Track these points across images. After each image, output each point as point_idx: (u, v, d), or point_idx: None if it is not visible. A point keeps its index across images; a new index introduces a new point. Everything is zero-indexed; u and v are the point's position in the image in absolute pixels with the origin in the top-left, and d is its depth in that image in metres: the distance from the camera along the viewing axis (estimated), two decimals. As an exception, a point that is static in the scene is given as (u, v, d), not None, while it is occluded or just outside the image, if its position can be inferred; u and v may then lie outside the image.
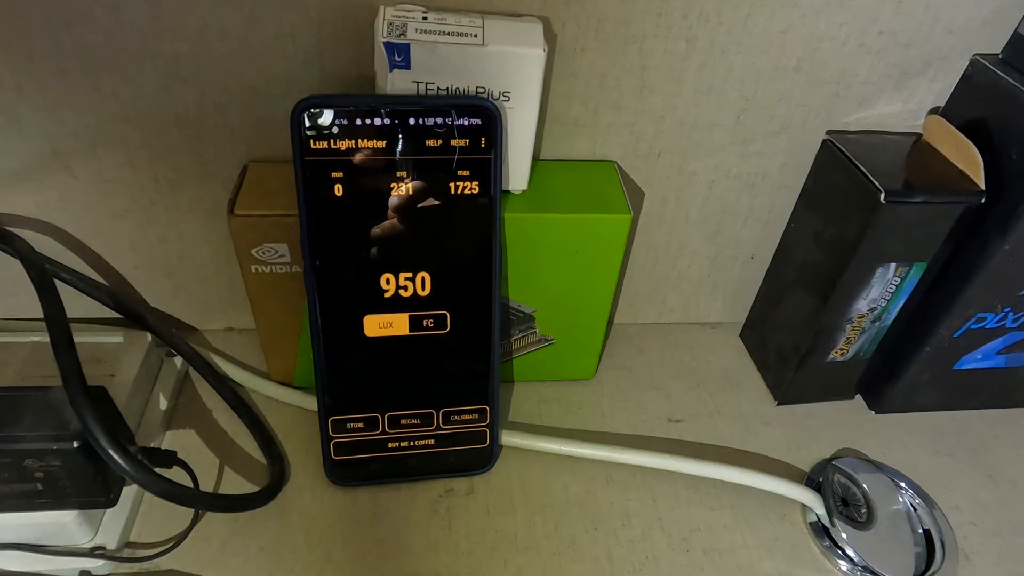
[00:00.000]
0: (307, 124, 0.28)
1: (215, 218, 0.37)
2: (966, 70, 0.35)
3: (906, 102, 0.37)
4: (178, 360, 0.39)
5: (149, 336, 0.37)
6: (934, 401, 0.42)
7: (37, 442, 0.27)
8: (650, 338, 0.46)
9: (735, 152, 0.38)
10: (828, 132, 0.37)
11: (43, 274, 0.30)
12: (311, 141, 0.28)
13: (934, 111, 0.37)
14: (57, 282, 0.34)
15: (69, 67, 0.31)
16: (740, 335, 0.47)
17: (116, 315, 0.38)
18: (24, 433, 0.27)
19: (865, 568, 0.34)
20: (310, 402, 0.38)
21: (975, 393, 0.42)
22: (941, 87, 0.36)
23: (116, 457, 0.26)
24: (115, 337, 0.37)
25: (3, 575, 0.30)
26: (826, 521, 0.35)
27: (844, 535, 0.35)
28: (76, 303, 0.37)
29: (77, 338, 0.28)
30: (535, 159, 0.37)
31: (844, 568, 0.34)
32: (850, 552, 0.34)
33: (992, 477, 0.40)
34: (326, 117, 0.28)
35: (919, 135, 0.36)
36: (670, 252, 0.43)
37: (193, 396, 0.39)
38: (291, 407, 0.39)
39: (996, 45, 0.35)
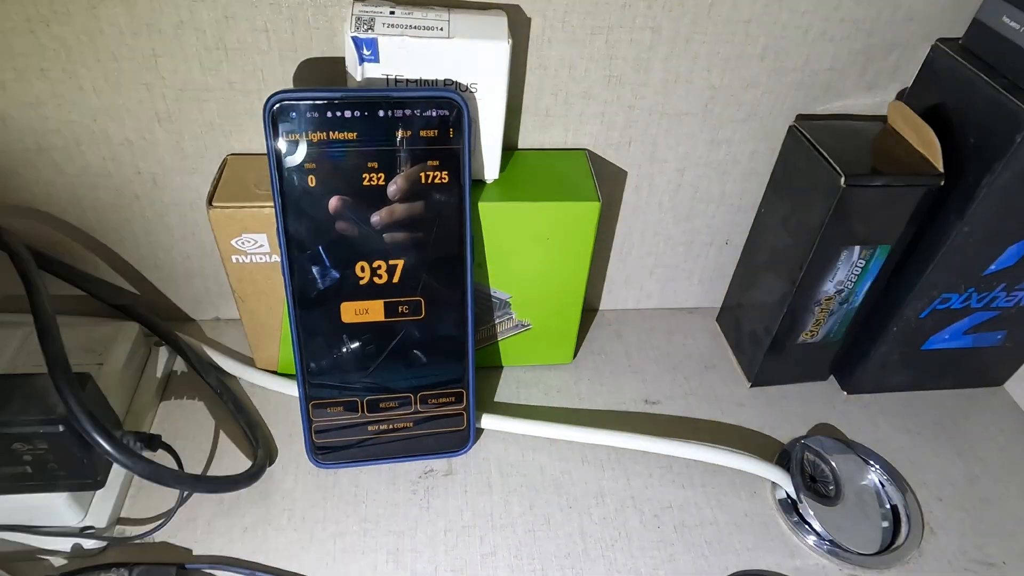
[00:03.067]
0: (279, 118, 0.29)
1: (198, 211, 0.38)
2: (927, 56, 0.36)
3: (870, 88, 0.37)
4: (166, 349, 0.41)
5: (137, 326, 0.39)
6: (904, 381, 0.43)
7: (24, 426, 0.28)
8: (628, 324, 0.47)
9: (704, 139, 0.39)
10: (795, 119, 0.38)
11: (28, 265, 0.31)
12: (284, 134, 0.29)
13: (898, 97, 0.38)
14: (47, 274, 0.36)
15: (50, 66, 0.32)
16: (717, 319, 0.48)
17: (105, 306, 0.39)
18: (11, 417, 0.28)
19: (831, 542, 0.35)
20: (293, 388, 0.39)
21: (944, 373, 0.43)
22: (904, 73, 0.37)
23: (99, 439, 0.27)
24: (104, 328, 0.38)
25: (-3, 555, 0.31)
26: (794, 497, 0.37)
27: (811, 511, 0.36)
28: (66, 295, 0.39)
29: (66, 329, 0.29)
30: (508, 149, 0.38)
31: (811, 542, 0.35)
32: (816, 527, 0.35)
33: (960, 454, 0.41)
34: (298, 111, 0.29)
35: (883, 120, 0.37)
36: (645, 239, 0.43)
37: (181, 384, 0.40)
38: (276, 393, 0.40)
39: (957, 31, 0.36)
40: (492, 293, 0.38)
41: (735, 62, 0.36)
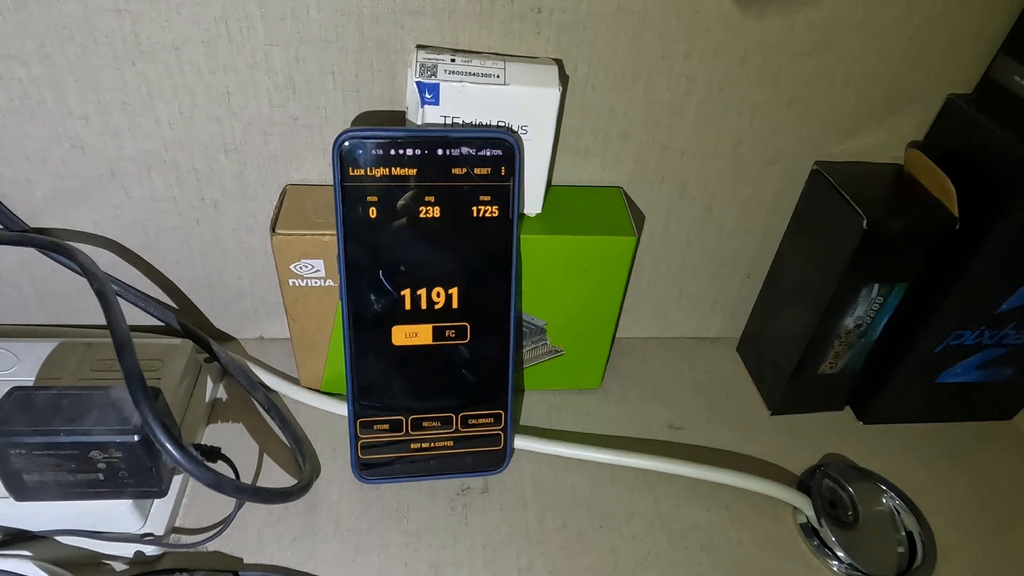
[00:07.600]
0: (346, 153, 0.31)
1: (254, 235, 0.40)
2: (942, 108, 0.38)
3: (888, 135, 0.40)
4: (216, 365, 0.43)
5: (191, 344, 0.41)
6: (918, 412, 0.45)
7: (102, 435, 0.30)
8: (653, 351, 0.49)
9: (732, 179, 0.41)
10: (817, 162, 0.40)
11: (103, 285, 0.33)
12: (350, 169, 0.32)
13: (914, 144, 0.40)
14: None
15: (132, 100, 0.34)
16: (737, 349, 0.50)
17: (160, 323, 0.41)
18: (90, 427, 0.30)
19: (850, 566, 0.37)
20: (337, 406, 0.41)
21: (957, 405, 0.45)
22: (920, 122, 0.40)
23: (172, 450, 0.29)
24: (159, 344, 0.40)
25: (63, 557, 0.33)
26: (815, 522, 0.38)
27: (831, 535, 0.37)
28: (124, 312, 0.41)
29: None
30: (548, 184, 0.40)
31: (831, 565, 0.37)
32: (836, 551, 0.37)
33: (972, 484, 0.42)
34: (364, 147, 0.31)
35: (900, 166, 0.40)
36: (672, 271, 0.46)
37: (230, 399, 0.42)
38: (318, 410, 0.42)
39: (969, 86, 0.38)
40: (529, 320, 0.41)
41: (763, 109, 0.38)
